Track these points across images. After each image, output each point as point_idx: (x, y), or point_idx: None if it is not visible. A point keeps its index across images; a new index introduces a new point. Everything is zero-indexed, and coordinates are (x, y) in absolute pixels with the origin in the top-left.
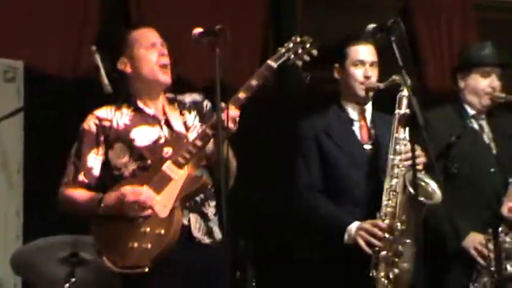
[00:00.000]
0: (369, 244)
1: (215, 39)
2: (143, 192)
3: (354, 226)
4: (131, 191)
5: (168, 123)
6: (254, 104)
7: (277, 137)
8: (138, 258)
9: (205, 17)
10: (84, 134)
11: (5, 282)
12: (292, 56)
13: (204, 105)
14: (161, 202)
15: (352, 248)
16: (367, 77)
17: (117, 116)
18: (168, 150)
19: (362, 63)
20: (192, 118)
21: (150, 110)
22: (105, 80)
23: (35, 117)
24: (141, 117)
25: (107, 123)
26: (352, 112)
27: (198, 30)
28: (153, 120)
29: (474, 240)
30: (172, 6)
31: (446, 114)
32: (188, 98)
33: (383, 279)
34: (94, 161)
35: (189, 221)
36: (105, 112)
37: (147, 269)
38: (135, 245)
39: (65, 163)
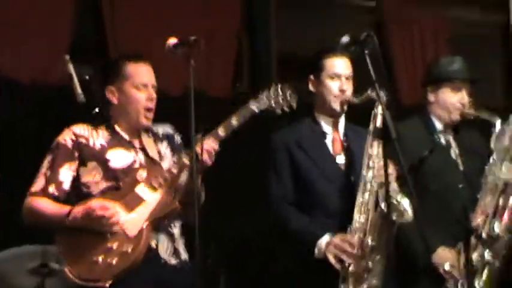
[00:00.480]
0: (338, 259)
1: (190, 50)
2: (111, 208)
3: (324, 240)
4: (99, 205)
5: (143, 149)
6: (227, 111)
7: (251, 146)
8: (101, 272)
9: (180, 26)
10: (58, 147)
11: None
12: (274, 105)
13: (175, 140)
14: (131, 221)
15: (322, 261)
16: (342, 91)
17: (93, 136)
18: (142, 174)
19: (338, 76)
20: (164, 148)
21: (126, 136)
22: (79, 89)
23: (9, 126)
24: (117, 141)
25: (83, 140)
26: (325, 125)
27: (172, 40)
28: (128, 145)
29: (442, 257)
30: (146, 15)
31: (413, 127)
32: (160, 129)
33: None
34: (66, 175)
35: (156, 243)
36: (82, 129)
37: (107, 285)
38: (100, 259)
39: (35, 174)
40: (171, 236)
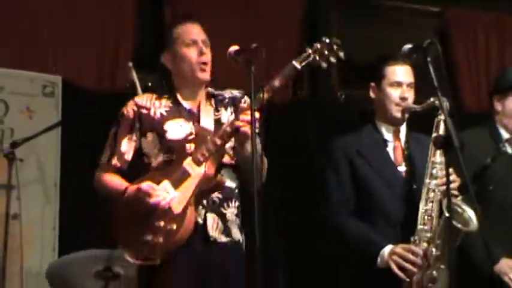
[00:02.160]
0: (402, 269)
1: (251, 57)
2: (158, 191)
3: (386, 250)
4: (148, 188)
5: (198, 118)
6: (290, 118)
7: (311, 152)
8: (150, 250)
9: (240, 34)
10: (122, 118)
11: None
12: (318, 58)
13: (243, 101)
14: (177, 198)
15: (384, 271)
16: (403, 98)
17: (155, 105)
18: (190, 146)
19: (399, 84)
20: (227, 115)
21: (187, 105)
22: None
23: (72, 131)
24: (178, 111)
25: (144, 111)
26: (387, 133)
27: (233, 48)
28: (188, 115)
29: (507, 266)
30: (207, 23)
31: (479, 136)
32: (228, 93)
33: None
34: (127, 146)
35: (205, 219)
36: (145, 100)
37: (158, 262)
38: (149, 237)
39: None
40: (222, 215)
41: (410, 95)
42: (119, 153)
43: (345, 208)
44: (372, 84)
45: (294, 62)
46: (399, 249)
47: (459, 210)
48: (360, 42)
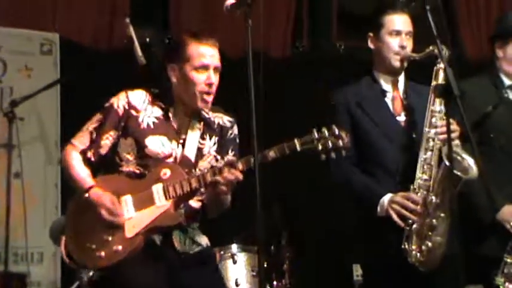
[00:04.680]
0: (402, 217)
1: (248, 10)
2: (118, 210)
3: (386, 199)
4: (111, 202)
5: (183, 144)
6: (290, 71)
7: (309, 104)
8: (89, 258)
9: None
10: (111, 110)
11: (45, 251)
12: (320, 147)
13: (230, 133)
14: (133, 221)
15: (385, 219)
16: (402, 47)
17: (147, 111)
18: (166, 172)
19: (398, 33)
20: (210, 145)
21: (175, 124)
22: (139, 52)
23: (71, 89)
24: (165, 127)
25: (134, 113)
26: (385, 83)
27: (230, 0)
28: (174, 134)
29: (510, 213)
30: None
31: (481, 85)
32: (217, 119)
33: (415, 252)
34: (107, 141)
35: (161, 239)
36: (138, 99)
37: (90, 273)
38: (93, 246)
39: None
40: (185, 231)
41: (409, 43)
42: (97, 147)
43: (347, 162)
44: (371, 34)
45: (296, 142)
46: (398, 197)
47: (459, 158)
48: None
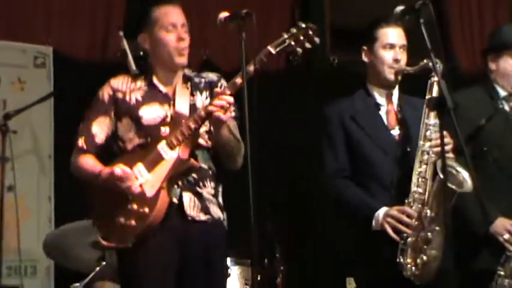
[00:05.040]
0: (397, 231)
1: (241, 23)
2: (130, 175)
3: (381, 212)
4: (121, 171)
5: (174, 103)
6: (281, 84)
7: (304, 118)
8: (122, 233)
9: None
10: (96, 100)
11: (38, 265)
12: (293, 43)
13: (219, 85)
14: (150, 181)
15: (380, 233)
16: (396, 60)
17: (131, 88)
18: (165, 130)
19: (392, 46)
20: (202, 100)
21: (163, 88)
22: (133, 65)
23: (65, 102)
24: (153, 95)
25: (119, 95)
26: (379, 97)
27: (224, 14)
28: (163, 98)
29: (503, 226)
30: None
31: (476, 95)
32: (203, 77)
33: (410, 265)
34: (98, 128)
35: (180, 199)
36: (120, 83)
37: (130, 245)
38: (122, 220)
39: None
40: (198, 194)
41: (403, 57)
42: (88, 135)
43: (341, 176)
44: (365, 47)
45: (269, 47)
46: (393, 211)
47: (453, 171)
48: (351, 5)
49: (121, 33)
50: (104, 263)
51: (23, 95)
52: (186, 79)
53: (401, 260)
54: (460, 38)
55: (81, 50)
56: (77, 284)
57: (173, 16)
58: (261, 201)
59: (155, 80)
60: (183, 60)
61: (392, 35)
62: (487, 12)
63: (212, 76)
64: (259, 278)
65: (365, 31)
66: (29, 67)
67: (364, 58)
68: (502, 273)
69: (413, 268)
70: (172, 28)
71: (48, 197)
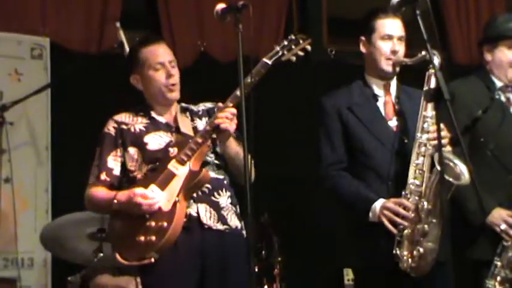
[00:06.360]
0: (393, 223)
1: (238, 15)
2: (150, 196)
3: (378, 204)
4: (140, 194)
5: (178, 129)
6: (280, 77)
7: (301, 109)
8: (144, 250)
9: None
10: (104, 137)
11: (35, 257)
12: (286, 53)
13: (216, 110)
14: (165, 197)
15: (377, 225)
16: (394, 52)
17: (133, 121)
18: (173, 150)
19: (390, 37)
20: (202, 124)
21: (162, 119)
22: None
23: (61, 93)
24: (156, 125)
25: (124, 127)
26: (377, 88)
27: (220, 6)
28: (165, 127)
29: (500, 216)
30: None
31: (473, 86)
32: (201, 106)
33: (406, 257)
34: (113, 162)
35: (197, 210)
36: (123, 117)
37: (153, 260)
38: (142, 238)
39: (91, 139)
40: (214, 204)
41: (401, 48)
42: (107, 169)
43: (338, 167)
44: (362, 38)
45: (264, 59)
46: (390, 203)
47: (451, 164)
48: None
49: (118, 24)
50: (101, 254)
51: (19, 87)
52: (184, 109)
53: (398, 251)
54: (456, 30)
55: (78, 42)
56: (74, 276)
57: (159, 55)
58: (258, 192)
59: (154, 114)
60: (174, 95)
61: (390, 26)
62: (483, 4)
63: (208, 104)
64: (256, 270)
65: (363, 22)
66: (25, 58)
67: (362, 49)
68: (498, 263)
69: (410, 260)
70: (161, 66)
71: (45, 189)
